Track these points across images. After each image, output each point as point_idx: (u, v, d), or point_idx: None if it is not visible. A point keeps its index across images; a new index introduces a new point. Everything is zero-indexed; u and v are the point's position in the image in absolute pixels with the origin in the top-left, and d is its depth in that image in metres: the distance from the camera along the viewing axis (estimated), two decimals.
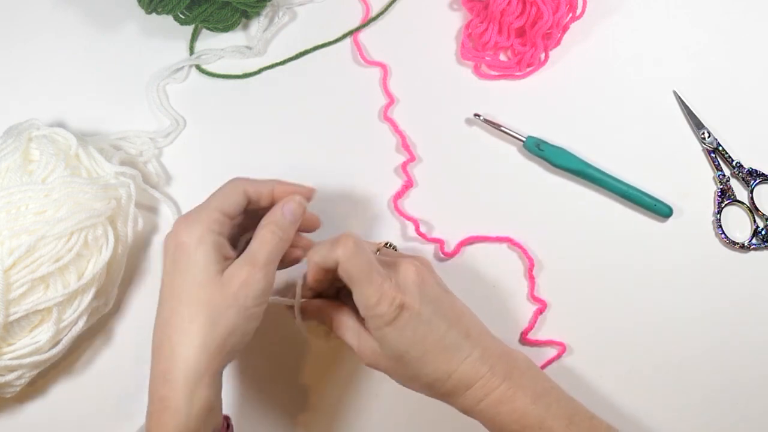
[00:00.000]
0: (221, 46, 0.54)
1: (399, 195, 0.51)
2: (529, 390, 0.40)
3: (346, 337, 0.43)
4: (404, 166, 0.51)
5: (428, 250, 0.50)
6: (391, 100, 0.52)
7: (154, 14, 0.50)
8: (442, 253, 0.50)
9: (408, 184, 0.51)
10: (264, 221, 0.40)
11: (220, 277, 0.38)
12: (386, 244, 0.47)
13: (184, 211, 0.50)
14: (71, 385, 0.48)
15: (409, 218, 0.50)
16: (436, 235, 0.50)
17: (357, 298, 0.40)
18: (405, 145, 0.51)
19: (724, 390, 0.49)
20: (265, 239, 0.40)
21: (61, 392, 0.48)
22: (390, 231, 0.51)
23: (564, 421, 0.40)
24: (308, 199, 0.43)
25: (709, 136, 0.52)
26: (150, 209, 0.51)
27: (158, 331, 0.39)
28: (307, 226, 0.43)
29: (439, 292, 0.42)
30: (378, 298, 0.39)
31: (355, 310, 0.41)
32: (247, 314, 0.38)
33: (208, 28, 0.53)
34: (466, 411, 0.41)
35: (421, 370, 0.40)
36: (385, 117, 0.52)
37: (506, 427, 0.40)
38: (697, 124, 0.52)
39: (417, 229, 0.50)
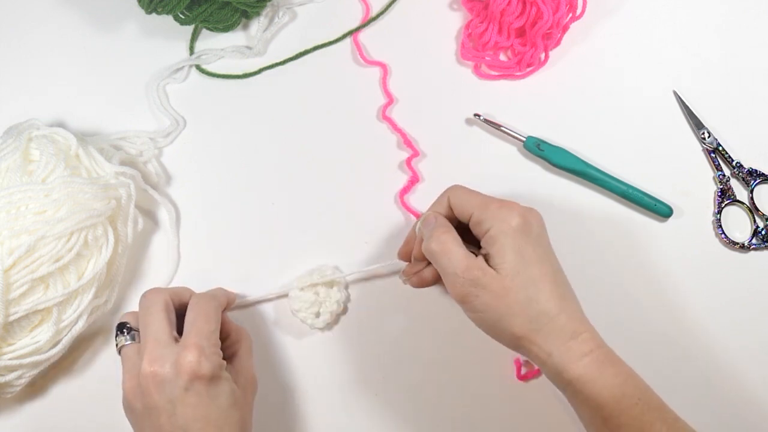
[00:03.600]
0: (221, 46, 0.54)
1: (405, 190, 0.51)
2: (622, 363, 0.39)
3: (450, 258, 0.41)
4: (408, 161, 0.51)
5: None
6: (390, 100, 0.52)
7: (154, 14, 0.50)
8: None
9: (414, 179, 0.51)
10: (238, 333, 0.45)
11: (239, 387, 0.41)
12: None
13: (183, 211, 0.51)
14: (71, 385, 0.48)
15: (416, 213, 0.50)
16: None
17: (480, 217, 0.41)
18: (407, 141, 0.51)
19: (724, 390, 0.49)
20: (245, 345, 0.45)
21: (61, 392, 0.48)
22: (396, 227, 0.50)
23: (658, 399, 0.39)
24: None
25: (709, 136, 0.52)
26: (150, 209, 0.51)
27: None
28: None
29: (549, 244, 0.42)
30: (509, 210, 0.40)
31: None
32: (251, 412, 0.43)
33: (208, 28, 0.53)
34: (562, 366, 0.38)
35: (535, 295, 0.39)
36: (384, 116, 0.52)
37: (606, 391, 0.37)
38: (697, 124, 0.52)
39: (417, 216, 0.50)
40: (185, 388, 0.39)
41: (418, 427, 0.48)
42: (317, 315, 0.47)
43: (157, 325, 0.41)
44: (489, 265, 0.40)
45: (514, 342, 0.40)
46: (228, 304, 0.46)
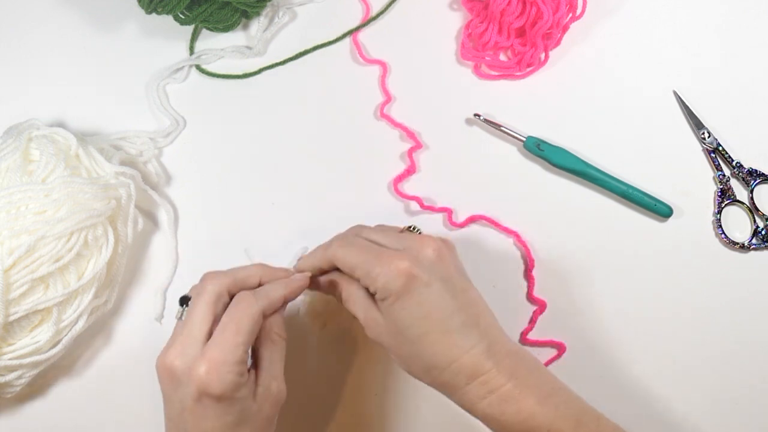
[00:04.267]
0: (221, 46, 0.54)
1: (399, 179, 0.51)
2: (536, 390, 0.38)
3: (353, 308, 0.41)
4: (410, 152, 0.51)
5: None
6: (388, 98, 0.52)
7: (154, 14, 0.50)
8: (450, 223, 0.50)
9: (411, 169, 0.51)
10: (278, 330, 0.41)
11: (256, 403, 0.39)
12: (410, 227, 0.45)
13: (183, 211, 0.51)
14: (71, 385, 0.48)
15: (411, 197, 0.50)
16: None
17: (365, 281, 0.40)
18: (410, 133, 0.51)
19: (724, 390, 0.49)
20: (281, 350, 0.41)
21: (61, 392, 0.48)
22: (393, 216, 0.50)
23: (572, 423, 0.38)
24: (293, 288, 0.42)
25: (709, 136, 0.52)
26: (150, 209, 0.51)
27: None
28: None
29: (454, 273, 0.40)
30: (388, 272, 0.38)
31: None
32: (274, 421, 0.40)
33: (208, 28, 0.53)
34: (468, 407, 0.39)
35: (421, 351, 0.39)
36: (382, 114, 0.52)
37: (511, 428, 0.38)
38: (697, 124, 0.52)
39: (421, 204, 0.50)
40: (194, 398, 0.37)
41: (418, 426, 0.48)
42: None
43: (196, 318, 0.38)
44: None
45: (426, 383, 0.40)
46: (287, 298, 0.42)
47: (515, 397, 0.38)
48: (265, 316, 0.40)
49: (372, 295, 0.40)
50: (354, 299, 0.41)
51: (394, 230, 0.43)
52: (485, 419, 0.39)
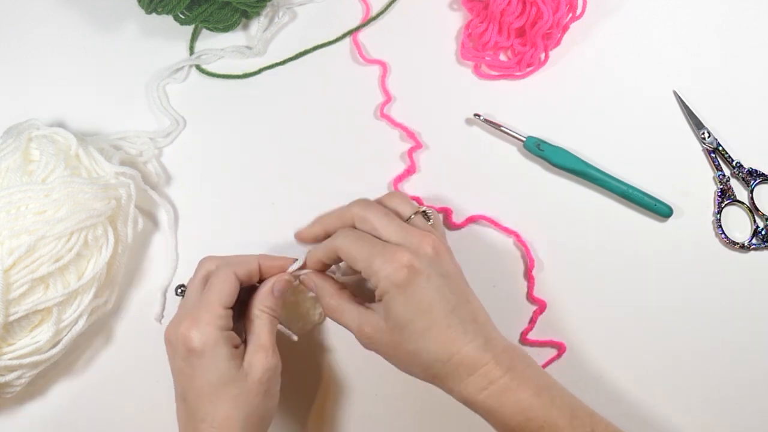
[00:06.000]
0: (221, 46, 0.54)
1: (399, 179, 0.51)
2: (532, 383, 0.40)
3: (343, 318, 0.42)
4: (410, 152, 0.51)
5: None
6: (388, 98, 0.52)
7: (154, 14, 0.50)
8: (450, 222, 0.50)
9: (411, 169, 0.51)
10: (260, 305, 0.43)
11: (242, 370, 0.41)
12: (423, 211, 0.45)
13: (184, 211, 0.51)
14: (71, 385, 0.48)
15: (411, 197, 0.50)
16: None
17: (367, 273, 0.40)
18: (410, 133, 0.51)
19: (724, 389, 0.49)
20: (266, 323, 0.42)
21: (61, 392, 0.48)
22: None
23: (567, 415, 0.39)
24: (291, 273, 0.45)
25: (709, 136, 0.52)
26: (150, 209, 0.51)
27: None
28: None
29: (453, 270, 0.41)
30: (390, 265, 0.39)
31: (352, 291, 0.42)
32: (271, 395, 0.42)
33: (208, 28, 0.53)
34: (467, 400, 0.40)
35: (423, 346, 0.39)
36: (382, 114, 0.52)
37: (509, 419, 0.39)
38: (697, 124, 0.52)
39: (421, 204, 0.50)
40: (183, 357, 0.40)
41: (417, 426, 0.48)
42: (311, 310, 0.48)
43: (189, 293, 0.43)
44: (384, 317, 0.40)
45: (425, 380, 0.41)
46: (265, 271, 0.44)
47: (513, 389, 0.39)
48: (242, 280, 0.42)
49: (362, 303, 0.42)
50: (343, 309, 0.42)
51: (397, 220, 0.43)
52: (484, 411, 0.40)
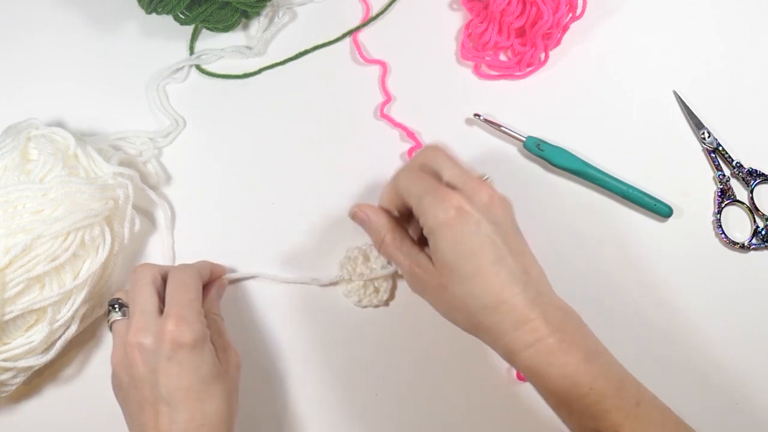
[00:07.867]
0: (221, 46, 0.54)
1: None
2: (582, 347, 0.38)
3: (396, 253, 0.42)
4: (410, 152, 0.51)
5: None
6: (388, 98, 0.52)
7: (154, 14, 0.50)
8: None
9: None
10: (213, 310, 0.45)
11: (221, 365, 0.41)
12: (483, 176, 0.44)
13: (184, 211, 0.51)
14: (66, 384, 0.48)
15: None
16: None
17: (417, 210, 0.40)
18: (410, 133, 0.51)
19: (724, 390, 0.48)
20: (222, 325, 0.45)
21: (56, 391, 0.47)
22: None
23: (614, 385, 0.37)
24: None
25: (709, 136, 0.52)
26: (148, 209, 0.51)
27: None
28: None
29: (508, 222, 0.40)
30: (441, 202, 0.39)
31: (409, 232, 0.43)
32: (237, 388, 0.43)
33: (208, 28, 0.53)
34: (511, 356, 0.38)
35: (469, 290, 0.38)
36: (382, 114, 0.52)
37: (554, 382, 0.37)
38: (697, 124, 0.52)
39: None
40: (167, 357, 0.39)
41: (417, 426, 0.48)
42: (376, 291, 0.48)
43: (143, 298, 0.41)
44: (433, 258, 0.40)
45: (468, 331, 0.40)
46: (213, 274, 0.46)
47: (562, 350, 0.37)
48: (203, 279, 0.44)
49: (417, 243, 0.42)
50: (398, 243, 0.42)
51: (462, 166, 0.42)
52: (527, 370, 0.38)
